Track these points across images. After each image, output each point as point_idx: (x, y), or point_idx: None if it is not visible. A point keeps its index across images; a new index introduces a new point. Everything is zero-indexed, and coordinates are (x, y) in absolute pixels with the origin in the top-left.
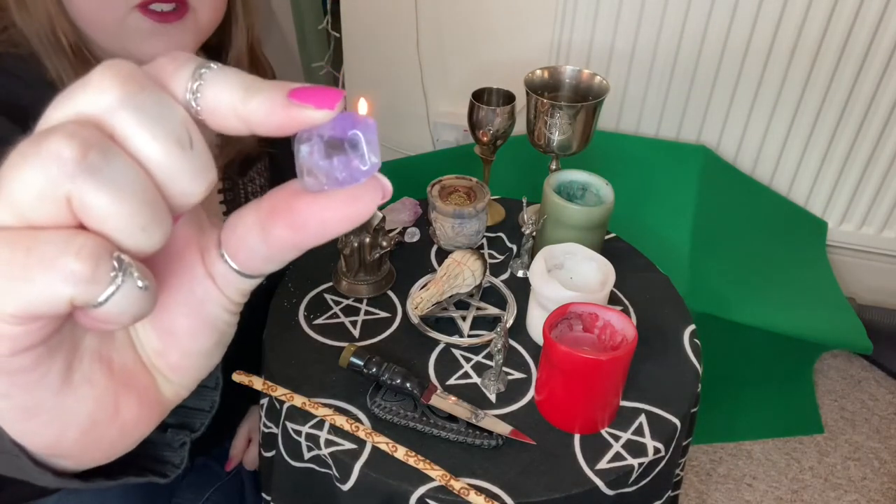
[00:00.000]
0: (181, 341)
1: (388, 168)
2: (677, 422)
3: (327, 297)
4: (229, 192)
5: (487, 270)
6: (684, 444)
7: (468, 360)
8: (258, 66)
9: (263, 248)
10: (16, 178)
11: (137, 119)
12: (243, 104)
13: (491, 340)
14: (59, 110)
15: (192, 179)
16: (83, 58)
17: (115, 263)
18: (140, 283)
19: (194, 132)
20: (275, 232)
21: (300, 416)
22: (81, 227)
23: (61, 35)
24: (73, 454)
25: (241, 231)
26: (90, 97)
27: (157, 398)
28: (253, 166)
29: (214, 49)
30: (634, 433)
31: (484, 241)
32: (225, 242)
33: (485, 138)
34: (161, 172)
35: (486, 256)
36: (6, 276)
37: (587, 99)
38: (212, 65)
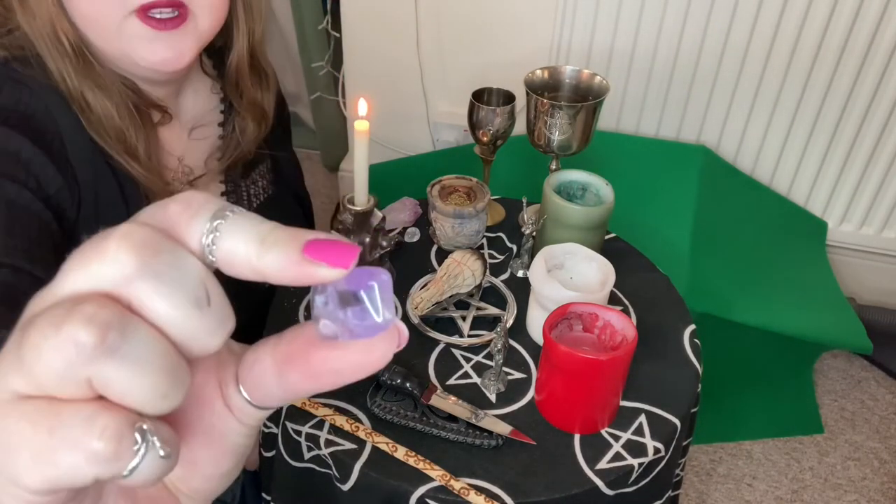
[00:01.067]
0: (202, 469)
1: (388, 168)
2: (677, 422)
3: None
4: (232, 195)
5: (487, 270)
6: (684, 444)
7: (468, 360)
8: (258, 70)
9: (279, 391)
10: (36, 359)
11: (154, 287)
12: (258, 259)
13: (491, 340)
14: (75, 277)
15: (211, 336)
16: (85, 59)
17: (138, 436)
18: (162, 453)
19: (212, 287)
20: (290, 378)
21: (300, 416)
22: (102, 397)
23: (62, 36)
24: None
25: (256, 372)
26: (106, 269)
27: None
28: (255, 168)
29: (219, 51)
30: (634, 433)
31: (484, 241)
32: (242, 379)
33: (485, 138)
34: (180, 335)
35: (486, 256)
36: (30, 452)
37: (587, 99)
38: (227, 213)
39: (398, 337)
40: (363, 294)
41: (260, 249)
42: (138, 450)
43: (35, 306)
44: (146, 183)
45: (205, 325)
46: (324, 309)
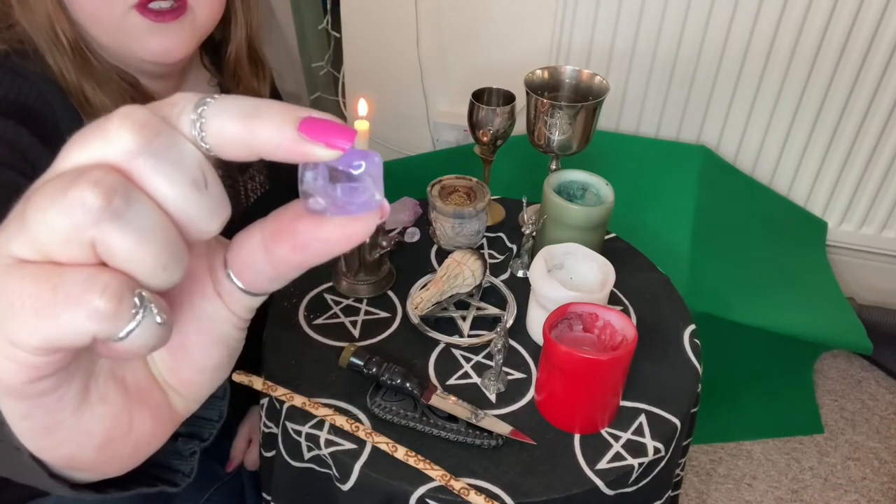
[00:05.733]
0: (192, 358)
1: (388, 168)
2: (677, 422)
3: (327, 297)
4: (229, 189)
5: (487, 270)
6: (684, 444)
7: (468, 360)
8: (255, 61)
9: (268, 268)
10: (41, 221)
11: (155, 165)
12: (250, 133)
13: (491, 340)
14: (77, 154)
15: (209, 218)
16: (83, 55)
17: (137, 301)
18: (159, 319)
19: (209, 172)
20: (279, 252)
21: (300, 416)
22: (102, 263)
23: (61, 34)
24: (90, 468)
25: (245, 252)
26: (109, 145)
27: (170, 413)
28: (252, 163)
29: (216, 44)
30: (634, 433)
31: (484, 241)
32: (230, 262)
33: (485, 138)
34: (179, 214)
35: (486, 256)
36: (32, 311)
37: (587, 99)
38: (208, 99)
39: (380, 211)
40: (354, 173)
41: (250, 123)
42: (136, 313)
43: (36, 185)
44: None
45: (203, 206)
46: (313, 184)
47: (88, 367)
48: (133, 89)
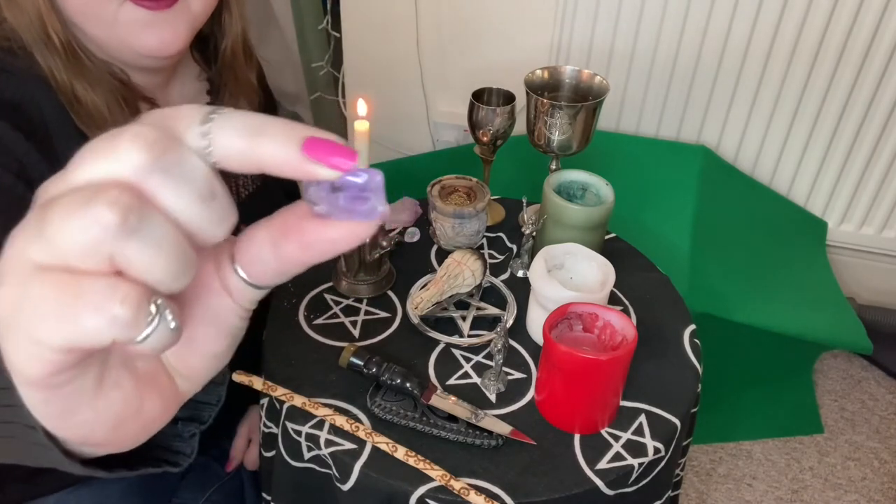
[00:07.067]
0: (199, 347)
1: (388, 168)
2: (677, 422)
3: (327, 297)
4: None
5: (487, 270)
6: (684, 444)
7: (468, 360)
8: (248, 51)
9: (275, 263)
10: (61, 232)
11: (165, 181)
12: (254, 150)
13: (491, 340)
14: (90, 167)
15: (216, 227)
16: (74, 55)
17: (153, 308)
18: (172, 325)
19: (215, 184)
20: (286, 249)
21: (300, 416)
22: (118, 272)
23: (52, 33)
24: (100, 445)
25: (254, 247)
26: (120, 162)
27: (175, 395)
28: None
29: (206, 39)
30: (634, 433)
31: (484, 241)
32: (238, 257)
33: (485, 138)
34: (189, 224)
35: (486, 256)
36: (55, 315)
37: (587, 99)
38: (213, 115)
39: (381, 216)
40: (357, 186)
41: (255, 141)
42: (152, 320)
43: (48, 191)
44: None
45: (211, 216)
46: (317, 194)
47: (103, 357)
48: (124, 87)
